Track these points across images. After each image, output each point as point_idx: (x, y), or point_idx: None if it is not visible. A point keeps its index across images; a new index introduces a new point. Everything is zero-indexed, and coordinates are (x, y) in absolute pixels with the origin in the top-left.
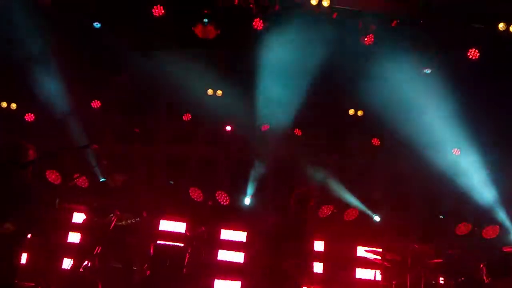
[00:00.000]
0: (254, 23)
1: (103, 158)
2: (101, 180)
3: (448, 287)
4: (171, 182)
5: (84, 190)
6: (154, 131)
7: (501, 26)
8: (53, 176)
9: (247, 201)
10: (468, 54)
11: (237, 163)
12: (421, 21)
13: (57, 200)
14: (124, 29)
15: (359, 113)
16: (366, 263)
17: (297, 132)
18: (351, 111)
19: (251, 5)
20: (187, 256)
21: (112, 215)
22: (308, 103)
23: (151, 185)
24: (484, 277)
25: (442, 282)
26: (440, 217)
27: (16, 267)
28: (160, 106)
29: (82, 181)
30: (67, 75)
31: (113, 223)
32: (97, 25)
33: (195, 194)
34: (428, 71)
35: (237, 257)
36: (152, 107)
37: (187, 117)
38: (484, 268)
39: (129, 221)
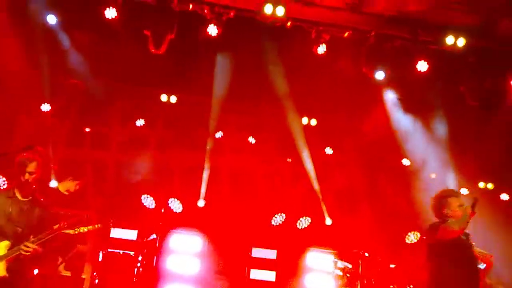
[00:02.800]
0: (208, 29)
1: (51, 161)
2: (50, 186)
3: None
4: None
5: None
6: (106, 135)
7: (449, 39)
8: None
9: (201, 203)
10: (417, 67)
11: (191, 169)
12: (373, 33)
13: None
14: (78, 29)
15: (313, 122)
16: (317, 271)
17: (251, 139)
18: (304, 120)
19: (205, 11)
20: (138, 264)
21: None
22: (263, 111)
23: (101, 192)
24: None
25: None
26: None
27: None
28: (113, 111)
29: None
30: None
31: (58, 232)
32: (52, 20)
33: (148, 201)
34: (380, 75)
35: (192, 265)
36: (104, 111)
37: (140, 122)
38: None
39: (80, 229)
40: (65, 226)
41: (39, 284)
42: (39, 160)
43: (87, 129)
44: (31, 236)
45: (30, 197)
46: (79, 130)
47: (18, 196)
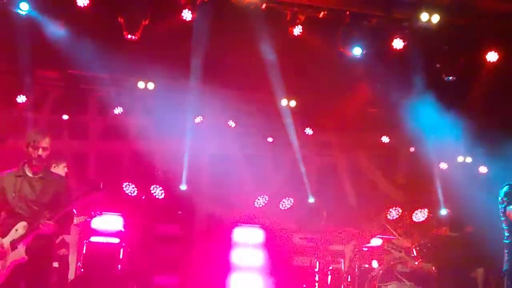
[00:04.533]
0: (182, 14)
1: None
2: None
3: (380, 270)
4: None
5: None
6: (85, 125)
7: (424, 16)
8: None
9: (183, 187)
10: (392, 44)
11: (171, 156)
12: (348, 12)
13: None
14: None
15: (292, 103)
16: (302, 250)
17: (231, 124)
18: (284, 102)
19: None
20: (122, 252)
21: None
22: (242, 94)
23: (83, 181)
24: (415, 259)
25: (375, 266)
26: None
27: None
28: (90, 100)
29: None
30: None
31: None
32: (24, 7)
33: (129, 189)
34: (357, 53)
35: (175, 250)
36: (81, 101)
37: (118, 110)
38: (415, 250)
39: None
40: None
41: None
42: (50, 137)
43: (65, 117)
44: (47, 213)
45: (42, 174)
46: (57, 121)
47: (29, 173)
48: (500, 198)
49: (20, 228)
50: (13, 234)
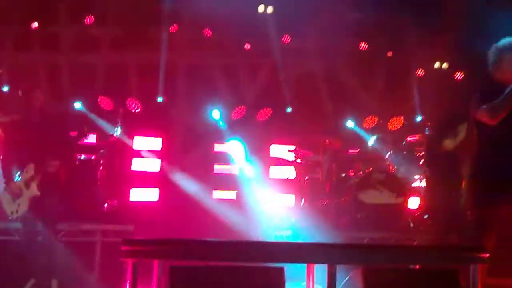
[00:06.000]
0: None
1: None
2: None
3: (356, 178)
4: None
5: None
6: (55, 36)
7: None
8: None
9: (159, 99)
10: None
11: (147, 67)
12: None
13: None
14: None
15: (269, 9)
16: (280, 161)
17: (208, 32)
18: (261, 8)
19: None
20: (100, 168)
21: None
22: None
23: (55, 96)
24: (389, 166)
25: (351, 174)
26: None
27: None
28: (60, 8)
29: None
30: None
31: None
32: None
33: (104, 102)
34: None
35: (153, 165)
36: (51, 10)
37: (89, 20)
38: (389, 157)
39: None
40: None
41: None
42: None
43: (35, 24)
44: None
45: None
46: (26, 31)
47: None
48: None
49: (30, 169)
50: (24, 175)
